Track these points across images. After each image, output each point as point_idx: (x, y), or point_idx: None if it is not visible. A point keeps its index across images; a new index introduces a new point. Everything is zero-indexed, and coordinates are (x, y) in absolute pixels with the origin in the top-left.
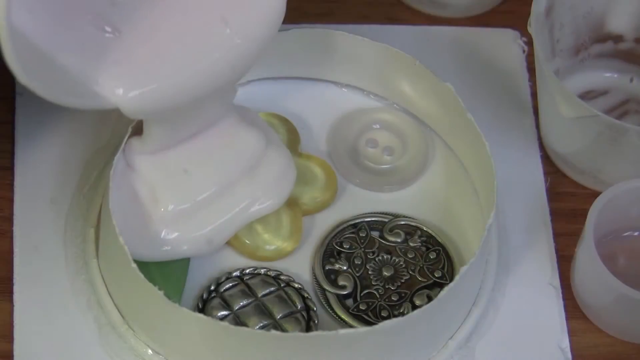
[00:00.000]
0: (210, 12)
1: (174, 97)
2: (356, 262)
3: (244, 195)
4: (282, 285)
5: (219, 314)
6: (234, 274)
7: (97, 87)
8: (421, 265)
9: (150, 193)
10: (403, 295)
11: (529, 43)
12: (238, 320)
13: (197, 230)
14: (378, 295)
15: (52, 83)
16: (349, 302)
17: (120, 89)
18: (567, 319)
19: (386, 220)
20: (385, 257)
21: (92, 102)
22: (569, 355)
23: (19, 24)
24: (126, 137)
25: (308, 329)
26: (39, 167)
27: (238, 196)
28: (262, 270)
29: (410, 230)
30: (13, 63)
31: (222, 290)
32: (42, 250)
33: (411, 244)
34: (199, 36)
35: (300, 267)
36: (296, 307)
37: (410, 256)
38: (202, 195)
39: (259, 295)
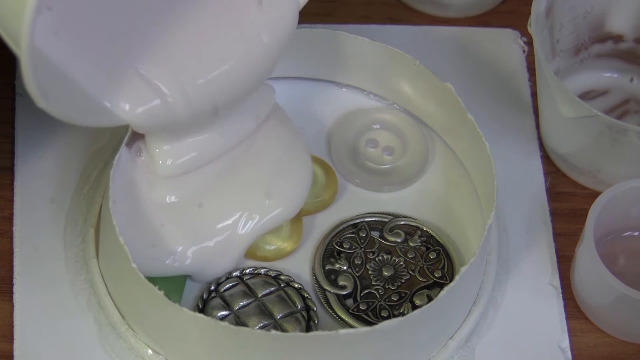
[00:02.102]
0: (228, 24)
1: (181, 112)
2: (356, 262)
3: (262, 213)
4: (282, 285)
5: (219, 314)
6: (234, 274)
7: (109, 105)
8: (421, 265)
9: (159, 224)
10: (403, 295)
11: (529, 43)
12: (238, 320)
13: (208, 258)
14: (378, 295)
15: (67, 104)
16: (349, 302)
17: (127, 105)
18: (567, 319)
19: (386, 220)
20: (385, 257)
21: (102, 120)
22: (569, 355)
23: (42, 47)
24: (126, 137)
25: (308, 329)
26: (39, 167)
27: (255, 214)
28: (262, 270)
29: (410, 230)
30: (32, 87)
31: (222, 290)
32: (42, 250)
33: (411, 244)
34: (211, 49)
35: (300, 267)
36: (296, 307)
37: (410, 256)
38: (218, 238)
39: (259, 295)
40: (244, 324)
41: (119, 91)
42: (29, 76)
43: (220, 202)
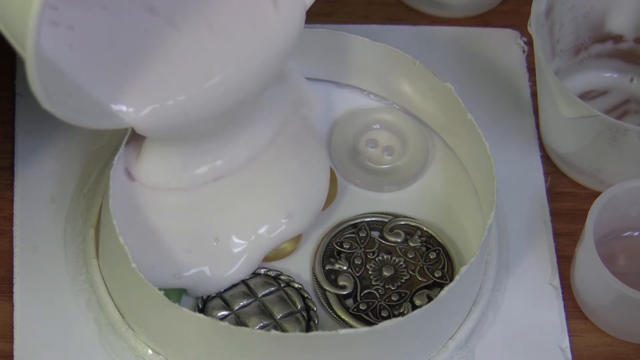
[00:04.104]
0: (231, 29)
1: (186, 115)
2: (356, 262)
3: (277, 230)
4: (282, 285)
5: (219, 314)
6: None
7: (115, 108)
8: (421, 265)
9: (166, 249)
10: (403, 295)
11: (529, 43)
12: (238, 320)
13: (214, 281)
14: (378, 295)
15: (72, 106)
16: (349, 302)
17: (131, 108)
18: (567, 319)
19: (386, 220)
20: (385, 257)
21: (107, 122)
22: (569, 355)
23: (54, 56)
24: (126, 137)
25: (308, 329)
26: (39, 167)
27: (270, 233)
28: (262, 270)
29: (410, 230)
30: (37, 90)
31: (222, 290)
32: (42, 250)
33: (411, 244)
34: (215, 51)
35: (300, 267)
36: (296, 307)
37: (410, 256)
38: (230, 271)
39: (259, 295)
40: (244, 324)
41: (124, 94)
42: (35, 80)
43: (238, 230)
